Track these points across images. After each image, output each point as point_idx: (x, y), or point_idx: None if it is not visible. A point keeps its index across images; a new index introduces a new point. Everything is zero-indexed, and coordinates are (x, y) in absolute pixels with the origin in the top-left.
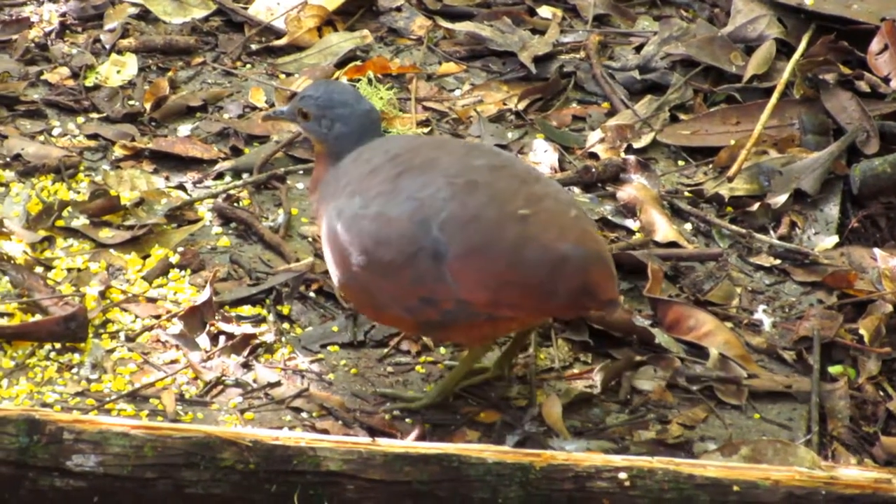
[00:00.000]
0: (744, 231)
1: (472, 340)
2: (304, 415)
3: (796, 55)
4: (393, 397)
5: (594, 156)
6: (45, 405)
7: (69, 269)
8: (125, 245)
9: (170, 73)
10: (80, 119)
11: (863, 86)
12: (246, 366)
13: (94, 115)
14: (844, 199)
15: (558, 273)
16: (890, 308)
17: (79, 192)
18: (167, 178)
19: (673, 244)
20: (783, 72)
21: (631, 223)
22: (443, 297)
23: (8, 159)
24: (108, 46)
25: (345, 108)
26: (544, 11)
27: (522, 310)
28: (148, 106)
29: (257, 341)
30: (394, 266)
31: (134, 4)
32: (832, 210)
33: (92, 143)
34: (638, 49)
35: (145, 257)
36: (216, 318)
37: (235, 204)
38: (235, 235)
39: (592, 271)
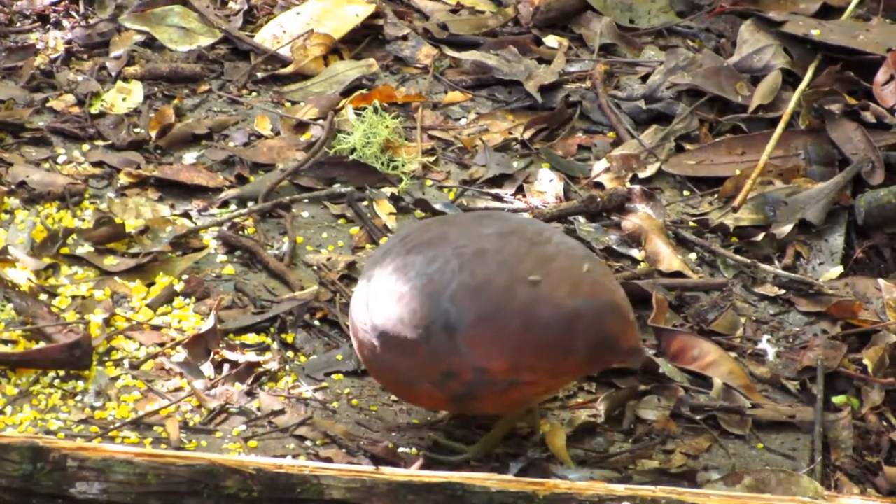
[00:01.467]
0: (748, 261)
1: (505, 409)
2: (307, 443)
3: (802, 85)
4: (441, 445)
5: (599, 185)
6: (48, 432)
7: (73, 297)
8: (130, 273)
9: (175, 101)
10: (86, 146)
11: (868, 116)
12: (250, 394)
13: (100, 143)
14: (849, 229)
15: (573, 329)
16: (894, 338)
17: (84, 220)
18: (172, 206)
19: (678, 274)
20: (789, 102)
21: (636, 253)
22: (460, 368)
23: (13, 186)
24: (113, 74)
25: None
26: (550, 41)
27: (542, 372)
28: (153, 133)
29: (261, 369)
30: (410, 342)
31: (140, 32)
32: (837, 240)
33: (97, 171)
34: (644, 79)
35: (150, 285)
36: (220, 346)
37: (240, 232)
38: (240, 263)
39: (608, 322)
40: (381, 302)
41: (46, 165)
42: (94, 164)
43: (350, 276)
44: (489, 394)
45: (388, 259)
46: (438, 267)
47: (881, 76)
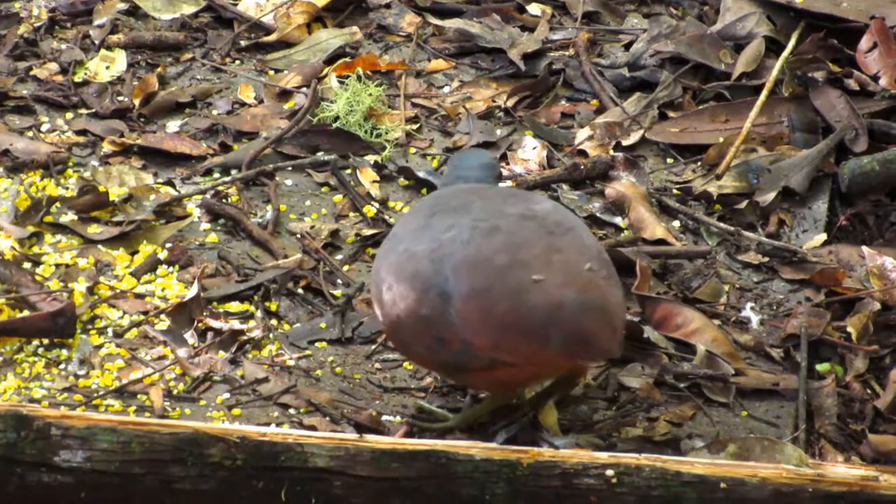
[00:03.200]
0: (732, 229)
1: (490, 387)
2: (291, 411)
3: (785, 53)
4: (425, 412)
5: (583, 153)
6: (32, 401)
7: (57, 265)
8: (113, 241)
9: (159, 69)
10: (69, 115)
11: (852, 84)
12: (234, 362)
13: (83, 111)
14: (833, 196)
15: (553, 319)
16: (878, 306)
17: (67, 188)
18: (156, 175)
19: (661, 242)
20: (772, 69)
21: (619, 221)
22: (450, 337)
23: None
24: (97, 42)
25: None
26: (534, 8)
27: (521, 356)
28: (137, 102)
29: (245, 338)
30: (410, 303)
31: (123, 0)
32: (820, 208)
33: (81, 139)
34: (627, 47)
35: (133, 253)
36: (204, 314)
37: (224, 200)
38: (224, 232)
39: (588, 320)
40: (395, 258)
41: (30, 134)
42: (78, 133)
43: (333, 244)
44: (475, 368)
45: (413, 218)
46: (451, 236)
47: (864, 43)
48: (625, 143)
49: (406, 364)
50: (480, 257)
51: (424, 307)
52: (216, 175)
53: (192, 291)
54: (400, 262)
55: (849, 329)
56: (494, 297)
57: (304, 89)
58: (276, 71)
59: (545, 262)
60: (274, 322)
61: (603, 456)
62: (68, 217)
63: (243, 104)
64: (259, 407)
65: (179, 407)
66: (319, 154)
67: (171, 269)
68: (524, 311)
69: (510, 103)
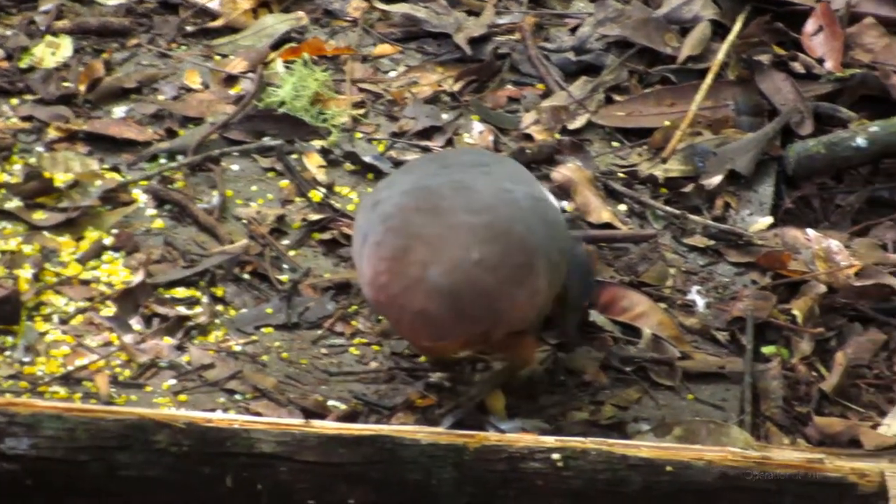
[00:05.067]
0: (678, 212)
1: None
2: (237, 397)
3: (731, 36)
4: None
5: (529, 137)
6: None
7: (2, 252)
8: (59, 227)
9: (105, 55)
10: (14, 101)
11: (797, 67)
12: (180, 348)
13: (29, 97)
14: (778, 180)
15: (409, 294)
16: (823, 289)
17: (12, 175)
18: (101, 160)
19: (607, 225)
20: (718, 53)
21: (565, 204)
22: (360, 281)
23: None
24: (42, 28)
25: None
26: None
27: (391, 322)
28: (82, 88)
29: (191, 323)
30: (355, 242)
31: None
32: (766, 191)
33: (26, 125)
34: (573, 30)
35: (79, 239)
36: (150, 300)
37: (170, 186)
38: (170, 217)
39: (435, 301)
40: (362, 204)
41: None
42: (23, 119)
43: (280, 229)
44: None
45: (398, 170)
46: (402, 189)
47: (810, 26)
48: (571, 127)
49: (352, 349)
50: (404, 209)
51: (357, 248)
52: (162, 161)
53: (138, 277)
54: (361, 205)
55: (794, 312)
56: (382, 249)
57: (250, 74)
58: (222, 56)
59: (436, 239)
60: (220, 308)
61: (549, 440)
62: (13, 203)
63: (189, 90)
64: (205, 393)
65: (125, 393)
66: (265, 139)
67: (116, 255)
68: (396, 280)
69: (456, 88)
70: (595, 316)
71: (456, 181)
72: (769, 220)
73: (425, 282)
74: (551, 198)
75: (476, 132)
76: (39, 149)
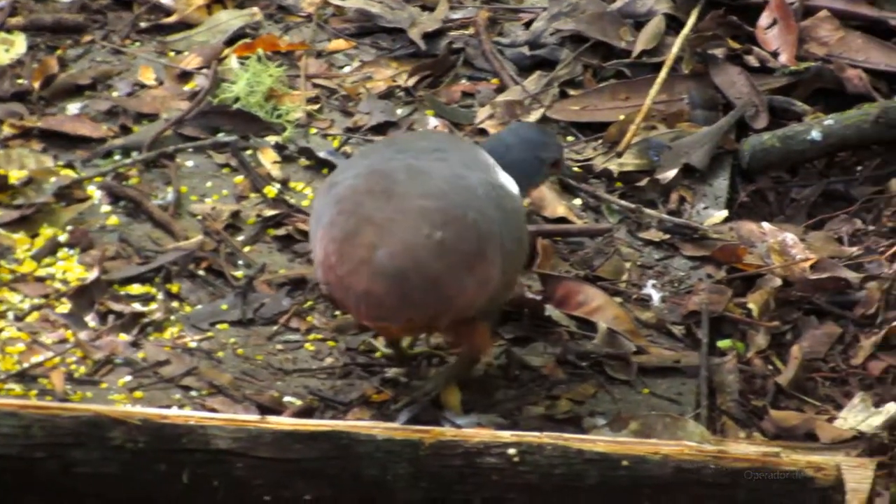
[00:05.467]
0: (633, 206)
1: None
2: (193, 393)
3: (685, 30)
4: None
5: (483, 132)
6: None
7: None
8: (14, 224)
9: (59, 52)
10: None
11: (752, 60)
12: (135, 344)
13: None
14: (733, 173)
15: (356, 273)
16: (779, 282)
17: None
18: (56, 157)
19: (562, 220)
20: (672, 47)
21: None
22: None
23: None
24: None
25: None
26: None
27: (340, 301)
28: (37, 84)
29: (146, 320)
30: (311, 226)
31: None
32: (721, 184)
33: None
34: (527, 25)
35: (34, 236)
36: (105, 297)
37: (125, 182)
38: (125, 214)
39: (380, 281)
40: (320, 189)
41: None
42: None
43: (234, 225)
44: (330, 299)
45: (356, 153)
46: (357, 172)
47: (764, 20)
48: (525, 121)
49: (308, 345)
50: (357, 192)
51: (312, 228)
52: (117, 157)
53: (93, 274)
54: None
55: (750, 305)
56: (334, 229)
57: (204, 70)
58: (177, 52)
59: (386, 221)
60: (175, 304)
61: (505, 435)
62: None
63: (143, 86)
64: (161, 389)
65: (81, 390)
66: (220, 135)
67: (71, 251)
68: (346, 257)
69: (411, 83)
70: (551, 311)
71: (410, 166)
72: (724, 213)
73: (371, 263)
74: (510, 186)
75: (430, 127)
76: None
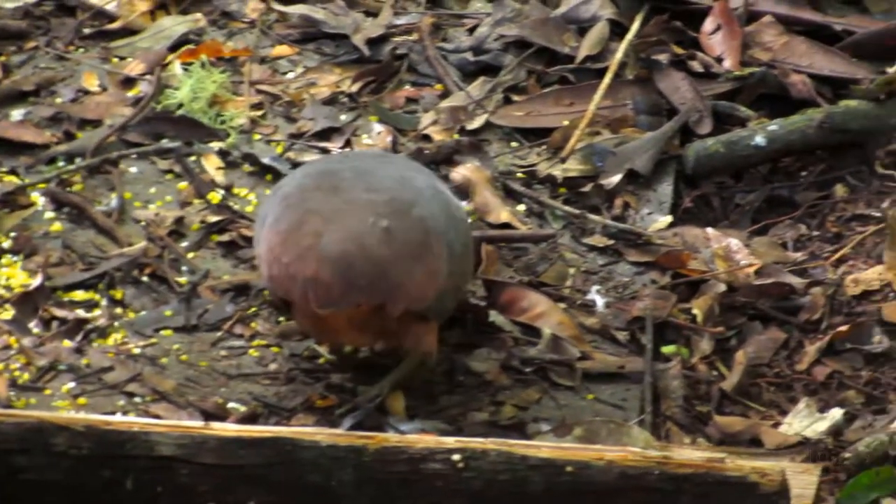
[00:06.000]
0: (577, 212)
1: (310, 331)
2: (137, 399)
3: (629, 35)
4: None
5: (427, 138)
6: None
7: None
8: None
9: (2, 58)
10: None
11: (696, 66)
12: (79, 351)
13: None
14: (677, 179)
15: (302, 261)
16: (723, 287)
17: None
18: None
19: (506, 225)
20: (616, 52)
21: (465, 205)
22: (259, 267)
23: None
24: None
25: None
26: None
27: (285, 293)
28: None
29: (90, 326)
30: (256, 230)
31: None
32: (665, 190)
33: None
34: (471, 31)
35: None
36: (49, 303)
37: (68, 189)
38: (68, 220)
39: (327, 267)
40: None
41: None
42: None
43: (178, 231)
44: (277, 302)
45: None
46: (304, 173)
47: (708, 25)
48: (469, 127)
49: (252, 351)
50: (301, 191)
51: (256, 230)
52: (60, 163)
53: (37, 280)
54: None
55: (694, 311)
56: (280, 227)
57: (148, 77)
58: (120, 58)
59: (332, 212)
60: (119, 310)
61: (449, 441)
62: None
63: (87, 92)
64: (105, 395)
65: (24, 396)
66: (164, 141)
67: (15, 258)
68: (285, 249)
69: (354, 89)
70: (495, 316)
71: (357, 167)
72: (668, 219)
73: (317, 249)
74: (454, 197)
75: (374, 133)
76: None
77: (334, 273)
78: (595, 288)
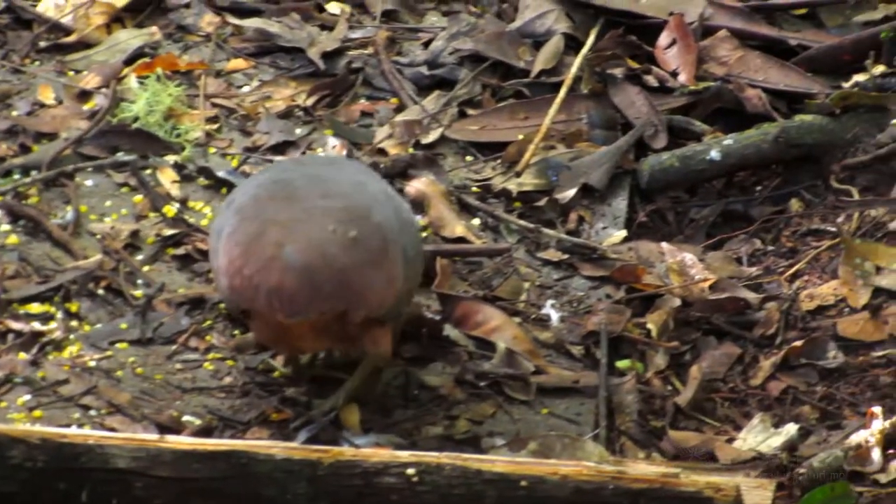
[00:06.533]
0: (532, 226)
1: (265, 341)
2: (92, 412)
3: (584, 50)
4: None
5: (382, 151)
6: None
7: None
8: None
9: None
10: None
11: (651, 80)
12: (34, 363)
13: None
14: (632, 193)
15: (265, 270)
16: (678, 302)
17: None
18: None
19: (461, 239)
20: (571, 66)
21: (419, 219)
22: (216, 273)
23: None
24: None
25: None
26: (333, 7)
27: (246, 303)
28: None
29: (46, 339)
30: (210, 244)
31: None
32: (620, 204)
33: None
34: (426, 45)
35: None
36: (4, 315)
37: (24, 201)
38: (24, 233)
39: (292, 276)
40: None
41: None
42: None
43: (134, 244)
44: (235, 313)
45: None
46: (257, 183)
47: (663, 40)
48: (424, 141)
49: (207, 364)
50: (257, 201)
51: (212, 243)
52: (16, 176)
53: None
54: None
55: (649, 325)
56: (238, 237)
57: (103, 90)
58: (76, 72)
59: (292, 221)
60: (74, 323)
61: (404, 455)
62: None
63: (43, 105)
64: (60, 408)
65: None
66: (119, 154)
67: None
68: (247, 261)
69: (310, 102)
70: (449, 330)
71: (309, 173)
72: (623, 233)
73: (280, 259)
74: (403, 201)
75: (330, 146)
76: None
77: (299, 282)
78: (550, 302)
